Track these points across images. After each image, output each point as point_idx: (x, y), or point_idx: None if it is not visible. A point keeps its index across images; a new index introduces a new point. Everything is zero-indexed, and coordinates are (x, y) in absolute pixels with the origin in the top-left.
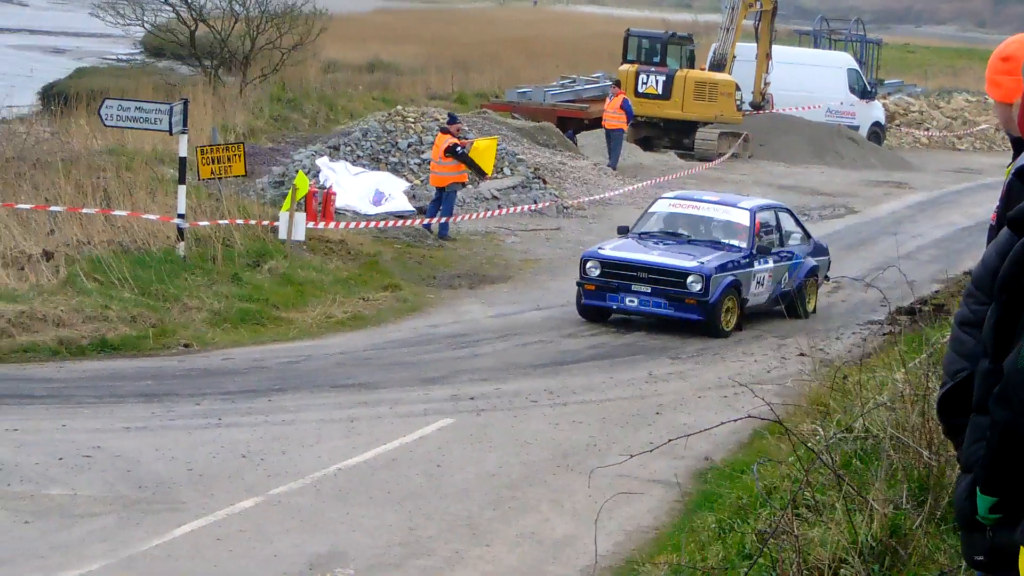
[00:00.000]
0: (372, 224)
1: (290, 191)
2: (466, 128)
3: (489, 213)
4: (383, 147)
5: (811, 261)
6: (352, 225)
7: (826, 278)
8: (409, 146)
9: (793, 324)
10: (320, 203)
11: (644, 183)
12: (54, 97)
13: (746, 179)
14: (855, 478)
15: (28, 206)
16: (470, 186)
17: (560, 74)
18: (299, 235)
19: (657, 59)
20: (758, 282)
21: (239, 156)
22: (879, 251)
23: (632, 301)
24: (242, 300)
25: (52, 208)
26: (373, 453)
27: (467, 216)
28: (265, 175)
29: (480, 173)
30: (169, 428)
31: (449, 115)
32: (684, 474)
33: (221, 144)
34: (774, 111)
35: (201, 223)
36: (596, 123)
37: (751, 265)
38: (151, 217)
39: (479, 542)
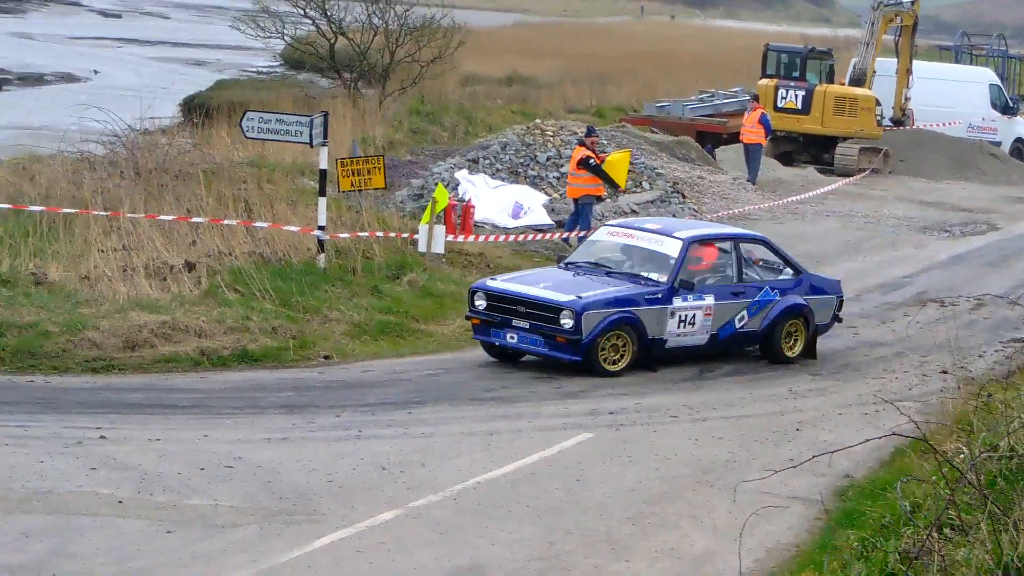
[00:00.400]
0: (511, 237)
1: (429, 204)
2: (604, 142)
3: None
4: (522, 160)
5: (794, 299)
6: (491, 238)
7: (837, 319)
8: (548, 159)
9: (935, 341)
10: (459, 216)
11: (784, 198)
12: (195, 109)
13: (887, 195)
14: (1000, 498)
15: (170, 217)
16: (609, 200)
17: (699, 88)
18: (438, 248)
19: (796, 74)
20: (683, 320)
21: (379, 168)
22: (1022, 268)
23: (512, 337)
24: (382, 312)
25: (194, 219)
26: (512, 467)
27: None
28: (404, 188)
29: (613, 185)
30: (309, 440)
31: (587, 127)
32: (824, 491)
33: (361, 156)
34: (915, 127)
35: (341, 235)
36: (735, 137)
37: (668, 301)
38: (292, 229)
39: (618, 557)
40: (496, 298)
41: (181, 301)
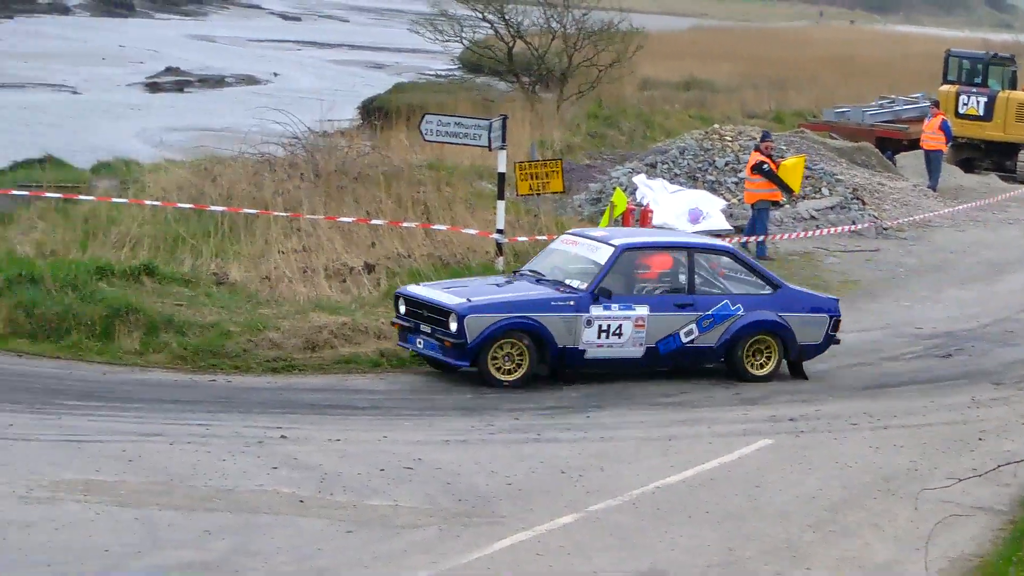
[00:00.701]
0: None
1: (608, 208)
2: (783, 147)
3: (807, 233)
4: (700, 165)
5: (762, 315)
6: None
7: (833, 340)
8: (726, 165)
9: None
10: (637, 220)
11: (965, 205)
12: (374, 111)
13: None
14: None
15: (350, 219)
16: (787, 206)
17: (879, 94)
18: None
19: (978, 80)
20: (604, 330)
21: (557, 172)
22: None
23: (420, 343)
24: None
25: (373, 221)
26: (692, 472)
27: (785, 235)
28: (582, 191)
29: (787, 190)
30: (488, 442)
31: (763, 132)
32: (1009, 502)
33: (539, 160)
34: None
35: (519, 239)
36: (915, 144)
37: (584, 309)
38: (470, 232)
39: (799, 565)
40: (410, 303)
41: (361, 302)
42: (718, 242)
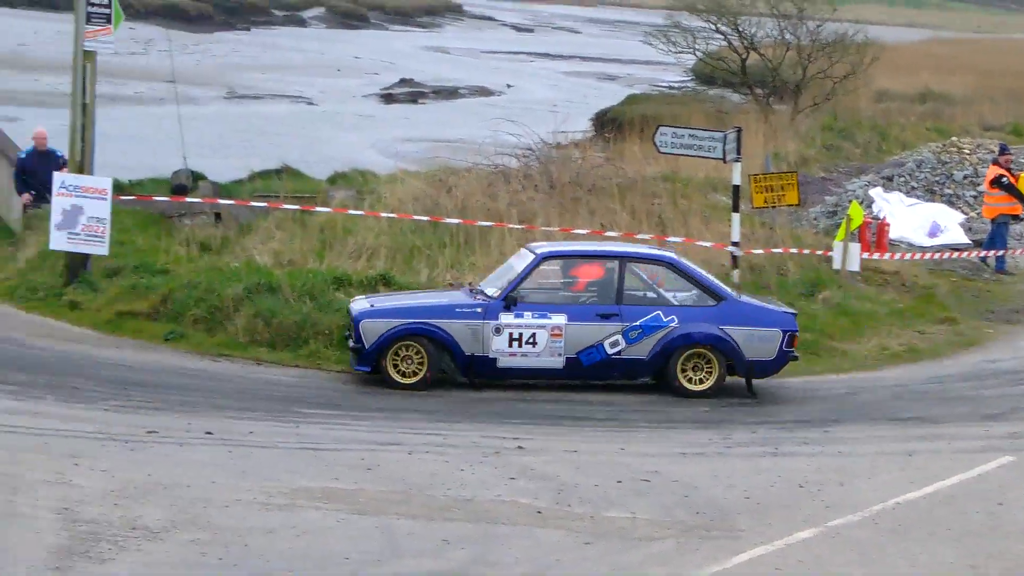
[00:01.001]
0: (927, 256)
1: (844, 221)
2: (1022, 160)
3: None
4: (937, 178)
5: (699, 327)
6: (907, 256)
7: (789, 356)
8: (964, 178)
9: None
10: (874, 234)
11: None
12: (607, 123)
13: None
14: None
15: (585, 231)
16: None
17: None
18: (853, 265)
19: None
20: (517, 339)
21: (792, 185)
22: None
23: (353, 354)
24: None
25: (608, 233)
26: (932, 488)
27: None
28: (818, 204)
29: None
30: (726, 455)
31: (1000, 145)
32: None
33: (774, 173)
34: None
35: (755, 251)
36: None
37: (492, 316)
38: (705, 244)
39: None
40: (349, 314)
41: None
42: (655, 251)
